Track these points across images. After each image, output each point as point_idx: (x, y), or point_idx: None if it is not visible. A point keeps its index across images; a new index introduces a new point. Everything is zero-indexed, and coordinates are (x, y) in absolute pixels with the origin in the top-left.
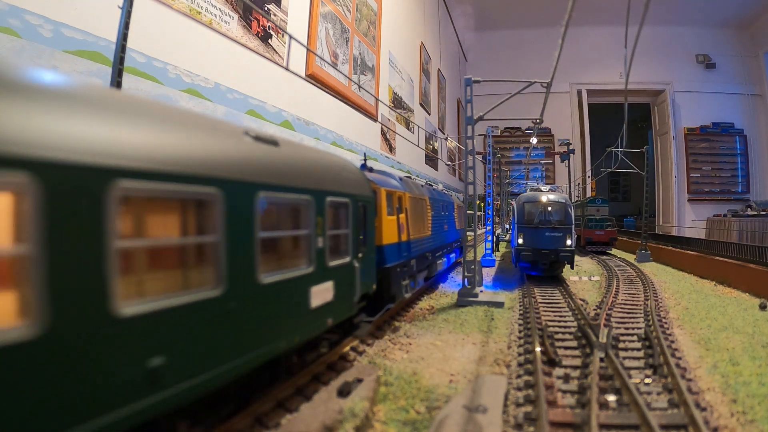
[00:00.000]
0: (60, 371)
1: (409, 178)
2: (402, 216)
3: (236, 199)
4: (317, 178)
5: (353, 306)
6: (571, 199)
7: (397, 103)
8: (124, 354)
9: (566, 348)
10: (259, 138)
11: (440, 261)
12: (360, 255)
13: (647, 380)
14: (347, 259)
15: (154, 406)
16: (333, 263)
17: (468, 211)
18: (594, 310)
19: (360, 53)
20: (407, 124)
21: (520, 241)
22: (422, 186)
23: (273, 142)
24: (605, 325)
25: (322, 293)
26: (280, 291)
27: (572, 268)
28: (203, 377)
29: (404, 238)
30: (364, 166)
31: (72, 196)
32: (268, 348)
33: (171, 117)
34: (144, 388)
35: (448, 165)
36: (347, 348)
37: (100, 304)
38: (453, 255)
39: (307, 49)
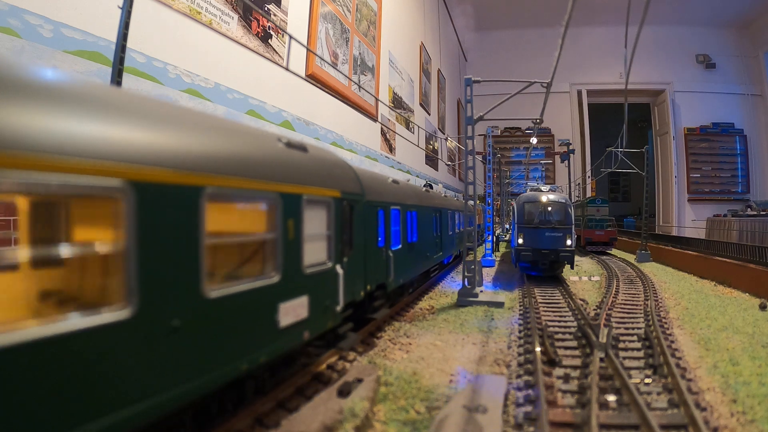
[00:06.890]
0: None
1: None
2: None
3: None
4: (452, 205)
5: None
6: (571, 199)
7: (397, 103)
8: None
9: (566, 348)
10: (429, 185)
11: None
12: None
13: (647, 380)
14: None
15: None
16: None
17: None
18: (594, 310)
19: (360, 53)
20: (407, 124)
21: (520, 241)
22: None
23: (430, 185)
24: (605, 325)
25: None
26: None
27: (572, 268)
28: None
29: (480, 222)
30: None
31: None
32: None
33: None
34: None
35: (448, 165)
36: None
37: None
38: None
39: (307, 49)
